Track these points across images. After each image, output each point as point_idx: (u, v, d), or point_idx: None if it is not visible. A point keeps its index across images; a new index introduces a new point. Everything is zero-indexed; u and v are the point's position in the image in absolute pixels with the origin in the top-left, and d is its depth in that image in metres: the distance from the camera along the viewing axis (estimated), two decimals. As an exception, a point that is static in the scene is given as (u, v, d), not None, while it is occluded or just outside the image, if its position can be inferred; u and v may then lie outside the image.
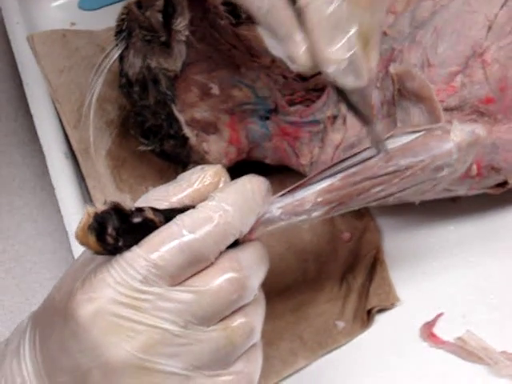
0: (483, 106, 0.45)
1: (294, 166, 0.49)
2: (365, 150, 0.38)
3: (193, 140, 0.48)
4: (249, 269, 0.33)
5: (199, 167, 0.35)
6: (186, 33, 0.47)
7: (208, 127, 0.48)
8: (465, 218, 0.49)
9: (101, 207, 0.30)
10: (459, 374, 0.45)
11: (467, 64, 0.45)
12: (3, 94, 0.59)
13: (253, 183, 0.34)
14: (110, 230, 0.30)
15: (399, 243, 0.50)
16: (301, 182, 0.37)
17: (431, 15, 0.47)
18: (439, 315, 0.47)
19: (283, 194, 0.36)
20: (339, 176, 0.37)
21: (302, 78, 0.50)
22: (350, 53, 0.34)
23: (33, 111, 0.53)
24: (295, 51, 0.35)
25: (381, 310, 0.47)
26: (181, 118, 0.47)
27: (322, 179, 0.37)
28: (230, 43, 0.49)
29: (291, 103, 0.49)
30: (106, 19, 0.52)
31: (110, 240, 0.30)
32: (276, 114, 0.48)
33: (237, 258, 0.33)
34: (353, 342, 0.47)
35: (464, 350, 0.45)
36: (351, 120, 0.46)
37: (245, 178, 0.35)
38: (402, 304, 0.47)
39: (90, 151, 0.51)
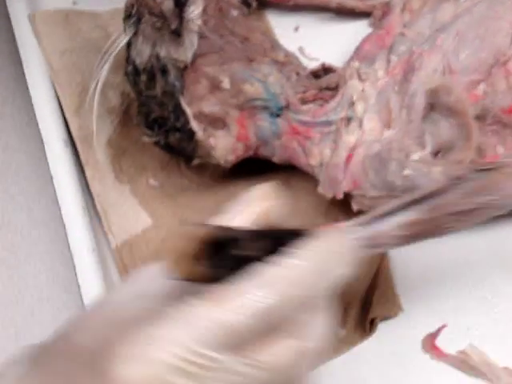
0: (506, 116, 0.44)
1: (302, 166, 0.48)
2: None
3: (200, 134, 0.46)
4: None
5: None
6: (199, 22, 0.45)
7: (216, 122, 0.46)
8: (473, 230, 0.48)
9: (200, 231, 0.27)
10: None
11: (490, 72, 0.44)
12: (1, 72, 0.56)
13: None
14: (211, 260, 0.27)
15: (405, 252, 0.48)
16: (376, 210, 0.34)
17: (453, 19, 0.46)
18: (442, 327, 0.46)
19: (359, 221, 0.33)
20: (424, 208, 0.34)
21: (315, 75, 0.49)
22: None
23: (32, 93, 0.50)
24: None
25: (383, 319, 0.46)
26: (188, 110, 0.46)
27: (403, 208, 0.34)
28: (243, 35, 0.47)
29: (303, 101, 0.47)
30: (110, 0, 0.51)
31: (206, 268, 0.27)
32: (287, 111, 0.47)
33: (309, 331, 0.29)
34: (353, 351, 0.46)
35: (466, 363, 0.45)
36: (369, 123, 0.45)
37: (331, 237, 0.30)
38: (405, 314, 0.46)
39: (91, 140, 0.49)
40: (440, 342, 0.46)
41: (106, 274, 0.46)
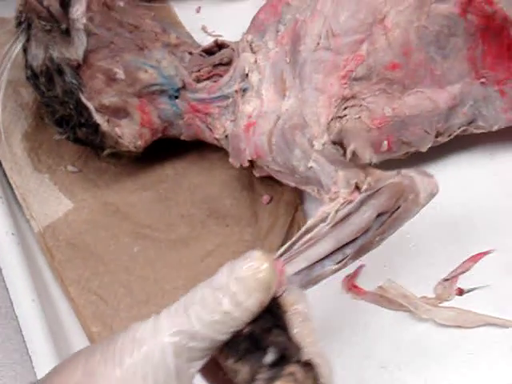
0: (389, 72, 0.46)
1: (208, 140, 0.50)
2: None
3: (104, 126, 0.48)
4: None
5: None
6: (84, 20, 0.47)
7: (118, 112, 0.48)
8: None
9: None
10: (382, 323, 0.47)
11: (371, 31, 0.45)
12: None
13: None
14: None
15: (318, 203, 0.51)
16: (308, 251, 0.38)
17: None
18: (360, 267, 0.48)
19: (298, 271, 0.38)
20: (349, 251, 0.39)
21: (209, 52, 0.50)
22: None
23: None
24: None
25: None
26: (90, 105, 0.48)
27: (333, 253, 0.39)
28: (133, 24, 0.49)
29: (198, 80, 0.49)
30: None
31: None
32: (184, 92, 0.49)
33: None
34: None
35: (385, 298, 0.47)
36: (268, 93, 0.47)
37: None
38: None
39: (2, 137, 0.51)
40: (359, 282, 0.48)
41: (29, 257, 0.49)
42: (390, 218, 0.40)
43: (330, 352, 0.45)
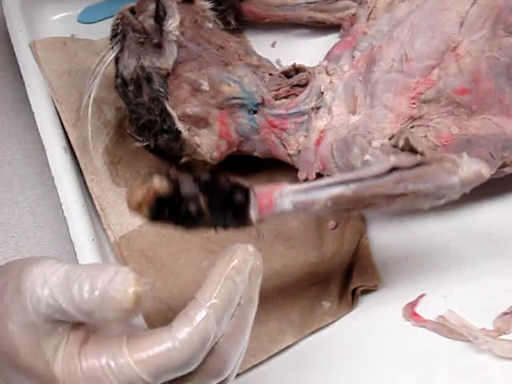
0: (459, 96, 0.48)
1: (281, 157, 0.52)
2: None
3: (185, 134, 0.50)
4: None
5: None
6: (177, 33, 0.50)
7: (199, 121, 0.51)
8: (445, 206, 0.52)
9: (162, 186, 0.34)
10: (442, 351, 0.47)
11: (442, 58, 0.48)
12: (6, 99, 0.62)
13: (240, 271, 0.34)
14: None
15: (382, 230, 0.52)
16: (315, 181, 0.40)
17: (407, 14, 0.51)
18: (421, 296, 0.49)
19: (296, 188, 0.40)
20: (352, 187, 0.40)
21: (287, 75, 0.53)
22: None
23: (34, 109, 0.55)
24: None
25: (365, 293, 0.49)
26: (173, 113, 0.50)
27: (335, 184, 0.40)
28: (219, 44, 0.52)
29: (277, 98, 0.51)
30: (104, 31, 0.55)
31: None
32: (263, 107, 0.51)
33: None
34: (339, 323, 0.48)
35: (445, 327, 0.47)
36: (337, 110, 0.49)
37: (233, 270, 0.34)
38: (386, 287, 0.49)
39: (88, 147, 0.54)
40: (419, 310, 0.48)
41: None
42: (407, 171, 0.40)
43: (388, 378, 0.45)
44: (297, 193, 0.40)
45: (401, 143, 0.45)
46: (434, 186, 0.40)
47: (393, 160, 0.42)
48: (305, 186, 0.40)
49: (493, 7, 0.48)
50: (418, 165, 0.41)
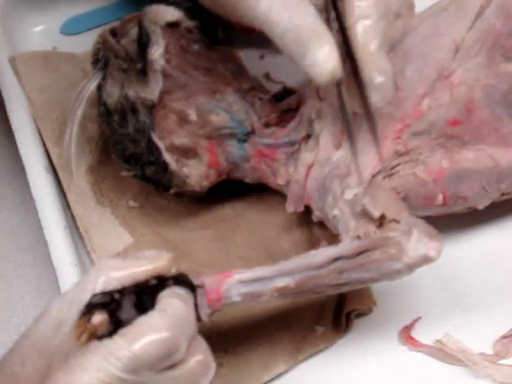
0: (450, 128, 0.46)
1: (272, 185, 0.51)
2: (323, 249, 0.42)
3: (173, 165, 0.49)
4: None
5: (154, 251, 0.39)
6: (162, 62, 0.48)
7: (187, 152, 0.49)
8: (442, 228, 0.50)
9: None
10: (438, 376, 0.46)
11: (434, 87, 0.46)
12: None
13: None
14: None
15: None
16: (262, 268, 0.41)
17: (401, 37, 0.47)
18: (417, 319, 0.48)
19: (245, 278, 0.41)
20: (296, 277, 0.41)
21: (277, 98, 0.51)
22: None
23: (14, 127, 0.53)
24: (324, 57, 0.39)
25: (360, 316, 0.48)
26: (160, 144, 0.48)
27: (280, 275, 0.41)
28: (206, 67, 0.50)
29: (267, 125, 0.49)
30: (88, 43, 0.53)
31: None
32: (253, 136, 0.49)
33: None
34: (333, 348, 0.48)
35: (442, 352, 0.47)
36: (323, 140, 0.47)
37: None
38: (381, 310, 0.49)
39: (71, 166, 0.52)
40: (416, 334, 0.48)
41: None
42: (350, 261, 0.40)
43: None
44: (244, 284, 0.40)
45: (358, 209, 0.43)
46: (378, 274, 0.40)
47: (335, 250, 0.41)
48: (252, 275, 0.41)
49: (491, 32, 0.46)
50: (361, 252, 0.40)
